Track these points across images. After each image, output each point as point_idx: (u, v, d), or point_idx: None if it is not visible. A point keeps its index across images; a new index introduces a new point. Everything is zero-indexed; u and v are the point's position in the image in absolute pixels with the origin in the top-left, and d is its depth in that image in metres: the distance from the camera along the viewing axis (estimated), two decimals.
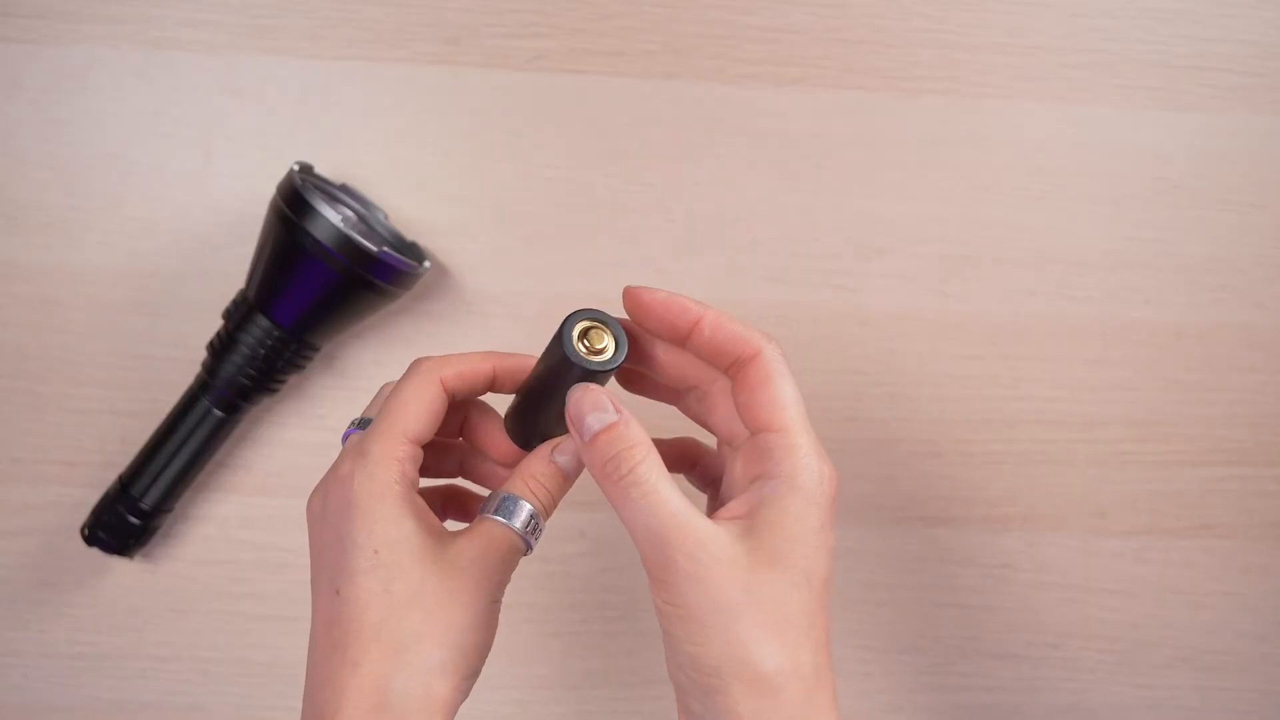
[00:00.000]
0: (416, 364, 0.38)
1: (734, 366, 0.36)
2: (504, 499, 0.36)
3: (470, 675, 0.35)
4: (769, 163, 0.57)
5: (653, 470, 0.34)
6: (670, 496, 0.34)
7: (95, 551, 0.52)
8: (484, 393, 0.39)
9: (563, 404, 0.36)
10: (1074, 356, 0.57)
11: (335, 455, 0.37)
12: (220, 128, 0.55)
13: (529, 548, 0.37)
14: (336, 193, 0.53)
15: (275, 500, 0.56)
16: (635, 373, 0.39)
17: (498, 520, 0.36)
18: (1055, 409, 0.57)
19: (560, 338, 0.34)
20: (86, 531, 0.52)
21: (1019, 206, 0.57)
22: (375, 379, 0.56)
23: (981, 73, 0.57)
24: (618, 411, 0.35)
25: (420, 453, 0.37)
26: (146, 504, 0.51)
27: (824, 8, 0.57)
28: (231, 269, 0.54)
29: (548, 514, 0.37)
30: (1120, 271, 0.58)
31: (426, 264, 0.52)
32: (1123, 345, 0.58)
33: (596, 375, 0.35)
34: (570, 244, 0.56)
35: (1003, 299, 0.57)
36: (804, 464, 0.35)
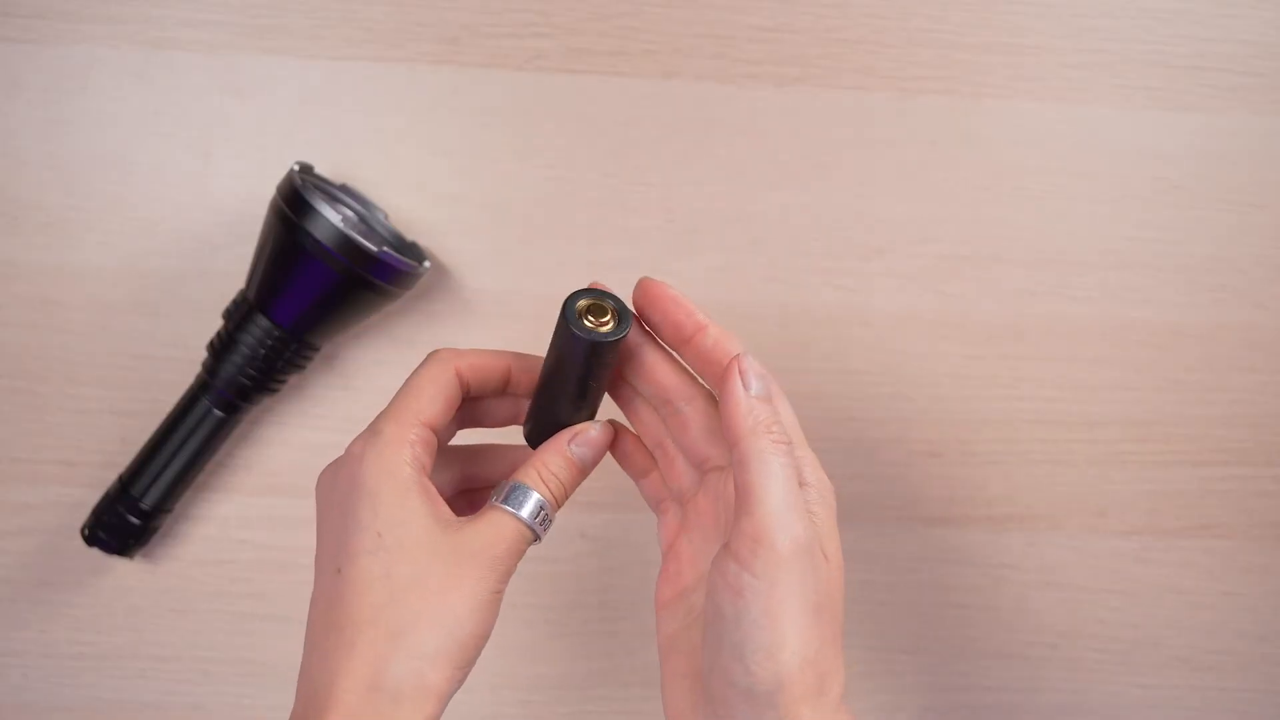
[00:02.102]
0: (435, 353, 0.38)
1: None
2: (513, 487, 0.36)
3: (465, 665, 0.34)
4: (769, 163, 0.57)
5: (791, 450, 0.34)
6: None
7: (95, 551, 0.52)
8: (501, 391, 0.39)
9: (575, 389, 0.36)
10: (1074, 356, 0.57)
11: (335, 455, 0.37)
12: (220, 128, 0.55)
13: (537, 538, 0.36)
14: (336, 193, 0.53)
15: (275, 500, 0.56)
16: (618, 377, 0.39)
17: (506, 509, 0.35)
18: (1055, 409, 0.57)
19: (564, 316, 0.34)
20: (86, 531, 0.52)
21: (1019, 206, 0.57)
22: (375, 379, 0.56)
23: (981, 73, 0.57)
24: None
25: (433, 438, 0.36)
26: (146, 504, 0.51)
27: (824, 8, 0.57)
28: (231, 269, 0.54)
29: (559, 504, 0.37)
30: (1120, 271, 0.58)
31: (426, 264, 0.52)
32: (1123, 345, 0.58)
33: (604, 348, 0.35)
34: (570, 244, 0.56)
35: (1003, 299, 0.57)
36: (820, 474, 0.36)
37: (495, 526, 0.35)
